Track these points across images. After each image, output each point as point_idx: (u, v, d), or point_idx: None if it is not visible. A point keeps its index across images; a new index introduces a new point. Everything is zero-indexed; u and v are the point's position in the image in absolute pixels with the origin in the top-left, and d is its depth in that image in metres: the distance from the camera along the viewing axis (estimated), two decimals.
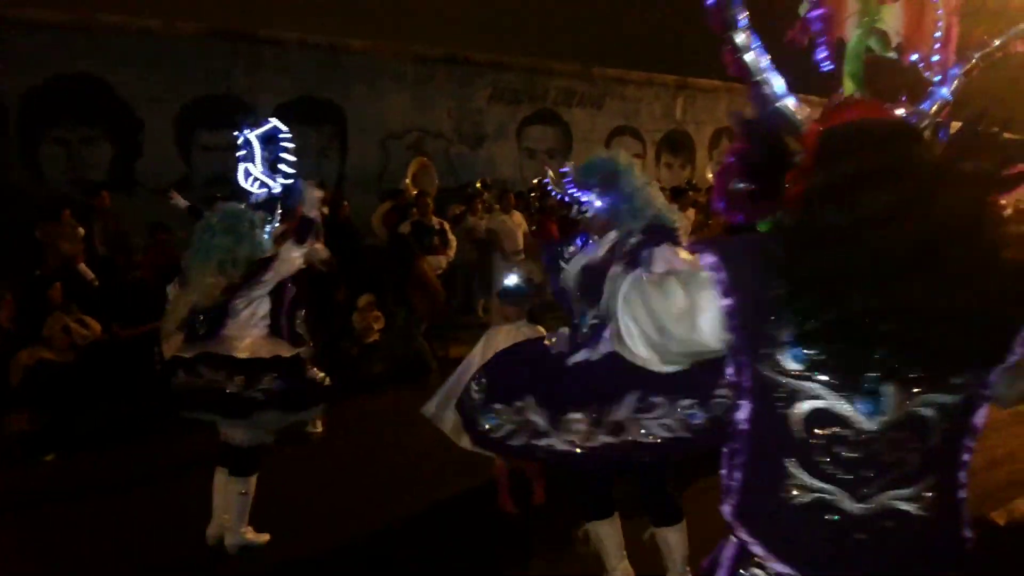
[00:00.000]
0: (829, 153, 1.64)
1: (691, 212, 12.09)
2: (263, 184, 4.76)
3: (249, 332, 4.29)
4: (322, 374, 4.48)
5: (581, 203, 3.57)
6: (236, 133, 4.85)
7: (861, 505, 1.56)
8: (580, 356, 3.33)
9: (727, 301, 1.61)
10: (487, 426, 3.38)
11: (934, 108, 1.94)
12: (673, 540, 3.53)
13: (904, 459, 1.55)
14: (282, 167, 4.77)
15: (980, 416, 1.60)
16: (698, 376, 2.80)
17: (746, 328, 1.61)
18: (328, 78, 12.69)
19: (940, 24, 1.95)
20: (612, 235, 3.51)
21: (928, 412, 1.54)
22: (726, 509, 1.71)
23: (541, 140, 15.34)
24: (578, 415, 3.16)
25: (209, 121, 11.50)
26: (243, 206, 4.52)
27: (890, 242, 1.50)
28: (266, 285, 4.32)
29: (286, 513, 4.79)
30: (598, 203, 3.51)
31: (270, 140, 4.84)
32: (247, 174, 4.80)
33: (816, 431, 1.57)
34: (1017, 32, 1.99)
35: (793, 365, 1.56)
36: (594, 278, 3.40)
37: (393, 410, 6.85)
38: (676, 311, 1.69)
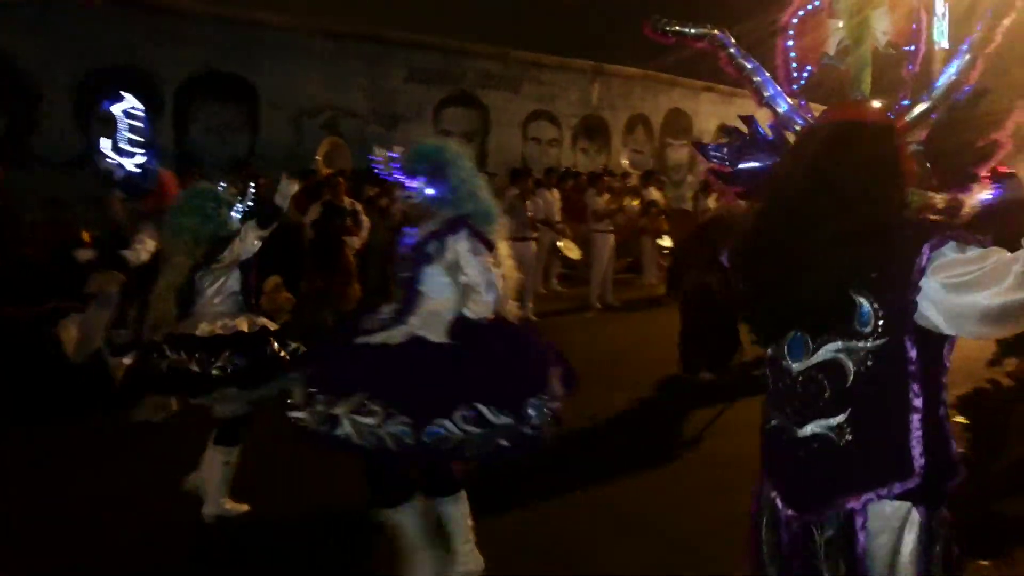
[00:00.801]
0: (792, 152, 2.17)
1: (606, 197, 12.24)
2: (117, 161, 4.66)
3: (214, 309, 4.35)
4: (295, 344, 4.46)
5: (406, 188, 3.52)
6: (102, 108, 4.73)
7: (801, 430, 1.97)
8: (361, 340, 3.37)
9: None
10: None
11: (945, 88, 2.16)
12: (452, 512, 3.55)
13: (820, 395, 1.94)
14: (133, 146, 4.66)
15: (915, 364, 1.87)
16: (429, 399, 3.11)
17: None
18: (237, 52, 12.29)
19: (915, 18, 2.22)
20: (429, 224, 3.50)
21: (842, 357, 1.91)
22: None
23: (458, 122, 15.22)
24: (321, 398, 3.20)
25: (111, 94, 10.96)
26: (211, 185, 4.59)
27: (770, 224, 2.03)
28: (223, 263, 4.36)
29: (269, 484, 4.76)
30: (428, 191, 3.46)
31: (129, 116, 4.74)
32: (115, 148, 4.69)
33: (771, 374, 2.09)
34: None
35: None
36: (403, 266, 3.51)
37: None
38: None
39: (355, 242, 8.71)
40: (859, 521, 1.91)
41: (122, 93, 4.74)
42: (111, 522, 4.44)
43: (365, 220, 9.25)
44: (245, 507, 4.51)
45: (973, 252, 1.78)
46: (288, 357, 4.38)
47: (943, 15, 19.75)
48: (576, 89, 17.27)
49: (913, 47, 2.23)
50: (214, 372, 4.15)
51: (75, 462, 5.35)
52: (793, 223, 1.95)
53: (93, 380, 5.84)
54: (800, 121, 2.34)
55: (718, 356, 7.50)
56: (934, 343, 1.88)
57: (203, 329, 4.25)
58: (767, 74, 2.41)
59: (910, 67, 2.22)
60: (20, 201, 8.74)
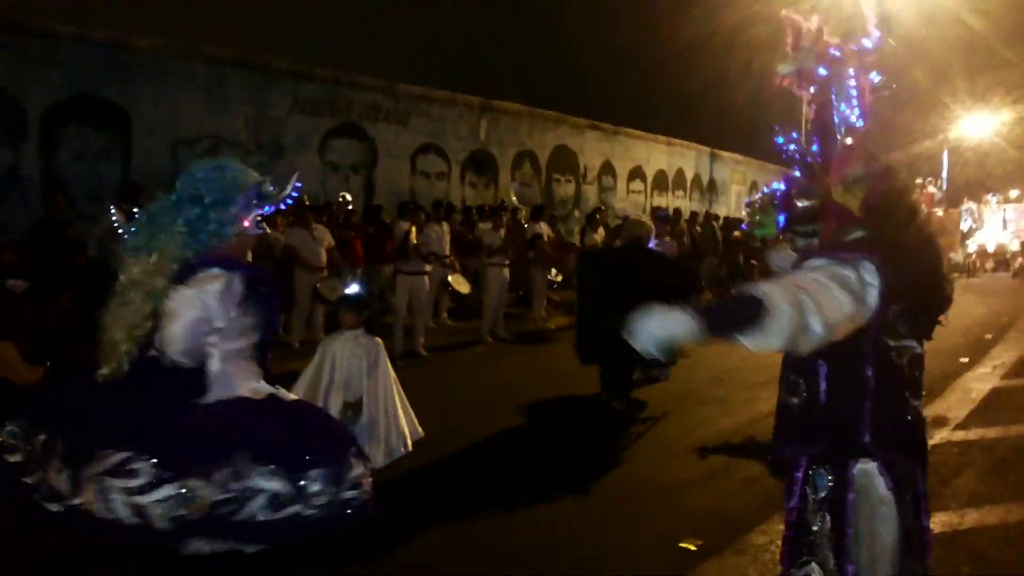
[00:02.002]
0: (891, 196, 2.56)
1: (500, 232, 12.23)
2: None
3: None
4: None
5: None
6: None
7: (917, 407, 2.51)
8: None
9: None
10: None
11: None
12: None
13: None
14: None
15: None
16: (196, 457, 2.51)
17: None
18: (108, 76, 11.67)
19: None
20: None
21: None
22: (867, 442, 2.44)
23: (346, 154, 14.93)
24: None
25: None
26: None
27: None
28: None
29: None
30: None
31: None
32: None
33: (907, 363, 2.49)
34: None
35: None
36: None
37: None
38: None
39: None
40: None
41: None
42: None
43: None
44: None
45: None
46: None
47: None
48: (465, 124, 17.30)
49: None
50: None
51: None
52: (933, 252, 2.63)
53: None
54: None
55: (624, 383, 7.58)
56: None
57: None
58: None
59: (860, 124, 2.61)
60: None
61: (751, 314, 2.11)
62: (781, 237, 2.79)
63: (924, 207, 2.67)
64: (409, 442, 4.83)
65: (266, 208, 2.95)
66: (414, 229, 10.66)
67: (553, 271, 13.59)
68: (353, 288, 4.83)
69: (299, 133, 14.10)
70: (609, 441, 6.64)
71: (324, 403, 4.49)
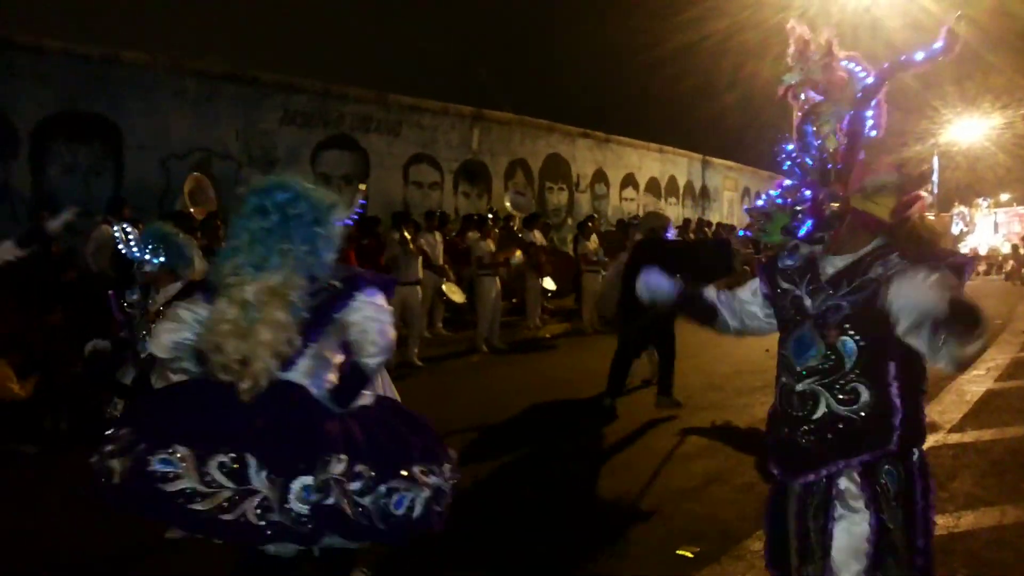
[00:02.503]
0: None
1: (489, 242, 12.24)
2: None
3: None
4: None
5: None
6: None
7: None
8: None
9: None
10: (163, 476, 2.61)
11: None
12: None
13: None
14: None
15: None
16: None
17: None
18: (98, 91, 11.62)
19: None
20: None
21: None
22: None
23: (338, 165, 14.91)
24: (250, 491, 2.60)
25: None
26: None
27: None
28: None
29: None
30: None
31: None
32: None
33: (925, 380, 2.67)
34: None
35: None
36: None
37: None
38: None
39: None
40: None
41: None
42: None
43: None
44: None
45: None
46: None
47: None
48: (456, 134, 17.30)
49: None
50: None
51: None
52: None
53: None
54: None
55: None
56: None
57: None
58: None
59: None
60: None
61: (975, 320, 2.27)
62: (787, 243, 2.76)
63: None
64: None
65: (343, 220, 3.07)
66: (408, 235, 10.68)
67: (547, 280, 13.58)
68: None
69: (290, 145, 14.08)
70: (605, 448, 6.62)
71: None
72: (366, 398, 2.96)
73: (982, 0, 20.71)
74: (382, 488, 2.67)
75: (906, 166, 2.60)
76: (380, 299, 2.92)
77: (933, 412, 7.27)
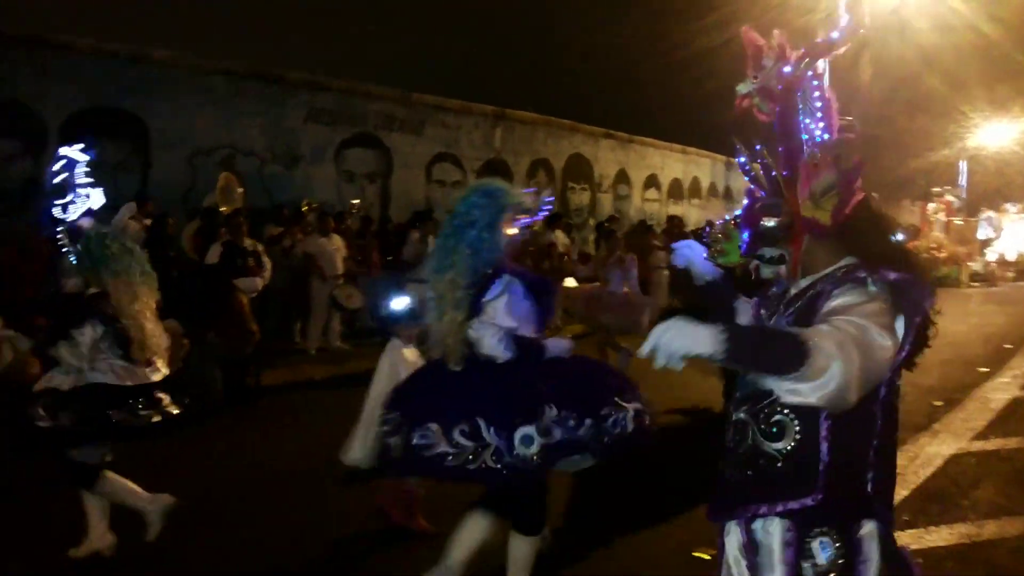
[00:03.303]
0: (861, 212, 2.30)
1: None
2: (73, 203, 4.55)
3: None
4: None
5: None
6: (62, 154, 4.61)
7: None
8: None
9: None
10: (427, 447, 3.43)
11: None
12: (521, 548, 3.73)
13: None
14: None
15: None
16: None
17: None
18: (126, 88, 11.76)
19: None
20: None
21: None
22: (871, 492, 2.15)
23: (361, 164, 14.99)
24: (529, 428, 3.38)
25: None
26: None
27: None
28: None
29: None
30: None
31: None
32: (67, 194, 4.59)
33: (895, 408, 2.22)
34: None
35: None
36: None
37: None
38: None
39: (256, 283, 8.37)
40: None
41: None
42: None
43: (267, 261, 8.92)
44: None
45: None
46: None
47: (824, 70, 20.84)
48: (479, 133, 17.34)
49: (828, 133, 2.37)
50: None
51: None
52: None
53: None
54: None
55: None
56: None
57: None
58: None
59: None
60: None
61: (789, 356, 1.88)
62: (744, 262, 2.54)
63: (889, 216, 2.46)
64: None
65: (529, 218, 3.75)
66: (430, 237, 10.71)
67: (568, 280, 13.56)
68: (402, 301, 4.81)
69: (315, 143, 14.17)
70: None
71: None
72: (558, 354, 3.67)
73: (1012, 1, 20.46)
74: (588, 421, 3.48)
75: (843, 158, 2.28)
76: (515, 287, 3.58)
77: (958, 418, 7.21)
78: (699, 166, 24.65)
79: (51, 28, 11.59)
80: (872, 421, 2.13)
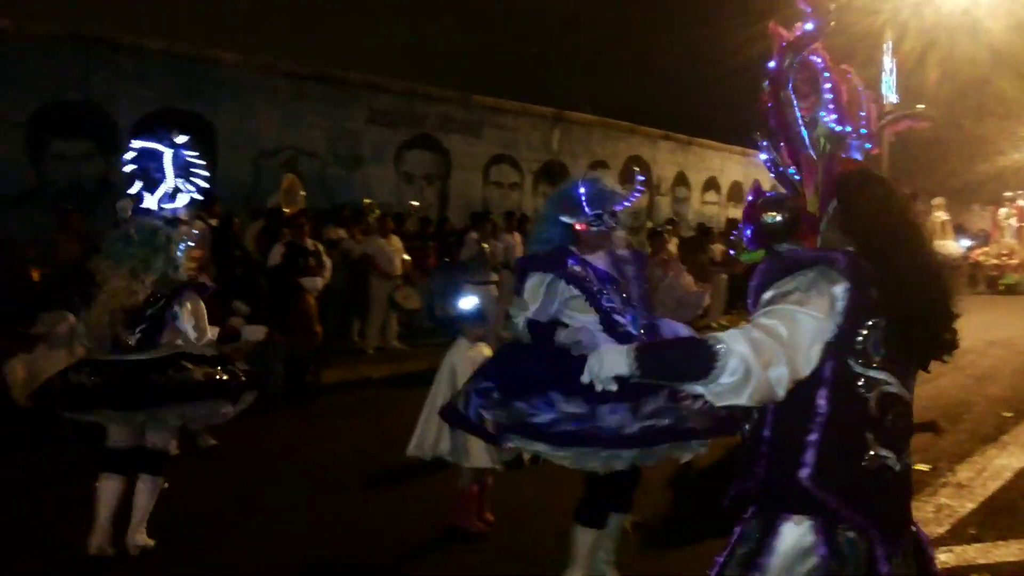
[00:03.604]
0: (848, 189, 2.20)
1: None
2: (174, 196, 4.70)
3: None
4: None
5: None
6: (151, 146, 4.78)
7: (899, 462, 2.08)
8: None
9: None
10: (531, 414, 3.53)
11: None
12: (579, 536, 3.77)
13: (910, 428, 2.14)
14: (195, 179, 4.76)
15: None
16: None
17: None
18: (194, 90, 12.08)
19: (864, 105, 2.40)
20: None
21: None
22: (804, 477, 2.05)
23: (420, 165, 15.15)
24: (616, 405, 3.40)
25: (63, 129, 10.71)
26: (159, 222, 4.56)
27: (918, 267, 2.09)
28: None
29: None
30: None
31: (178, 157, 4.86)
32: (155, 188, 4.74)
33: (879, 407, 2.05)
34: (894, 118, 2.52)
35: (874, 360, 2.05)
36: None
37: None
38: None
39: (318, 283, 8.52)
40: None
41: (174, 133, 4.87)
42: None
43: (327, 261, 9.07)
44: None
45: None
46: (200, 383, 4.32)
47: (891, 71, 20.36)
48: (537, 134, 17.38)
49: (863, 130, 2.35)
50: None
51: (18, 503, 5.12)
52: (935, 277, 2.13)
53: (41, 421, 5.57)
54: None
55: None
56: None
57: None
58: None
59: (867, 147, 2.34)
60: None
61: (696, 364, 1.94)
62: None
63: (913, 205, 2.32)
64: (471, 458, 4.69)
65: (622, 204, 3.99)
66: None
67: None
68: (470, 301, 4.87)
69: (375, 144, 14.37)
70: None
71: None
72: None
73: None
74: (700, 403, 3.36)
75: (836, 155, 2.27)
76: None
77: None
78: (760, 169, 24.19)
79: (123, 31, 11.94)
80: (810, 408, 2.05)
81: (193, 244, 4.68)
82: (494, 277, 10.73)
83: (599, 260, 3.92)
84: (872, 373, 2.04)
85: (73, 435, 5.40)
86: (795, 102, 2.29)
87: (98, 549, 4.31)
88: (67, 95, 10.81)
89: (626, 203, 4.00)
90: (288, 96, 13.22)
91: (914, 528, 2.20)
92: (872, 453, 2.04)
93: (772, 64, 2.32)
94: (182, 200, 4.71)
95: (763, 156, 2.44)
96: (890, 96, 16.97)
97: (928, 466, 6.09)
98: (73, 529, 4.42)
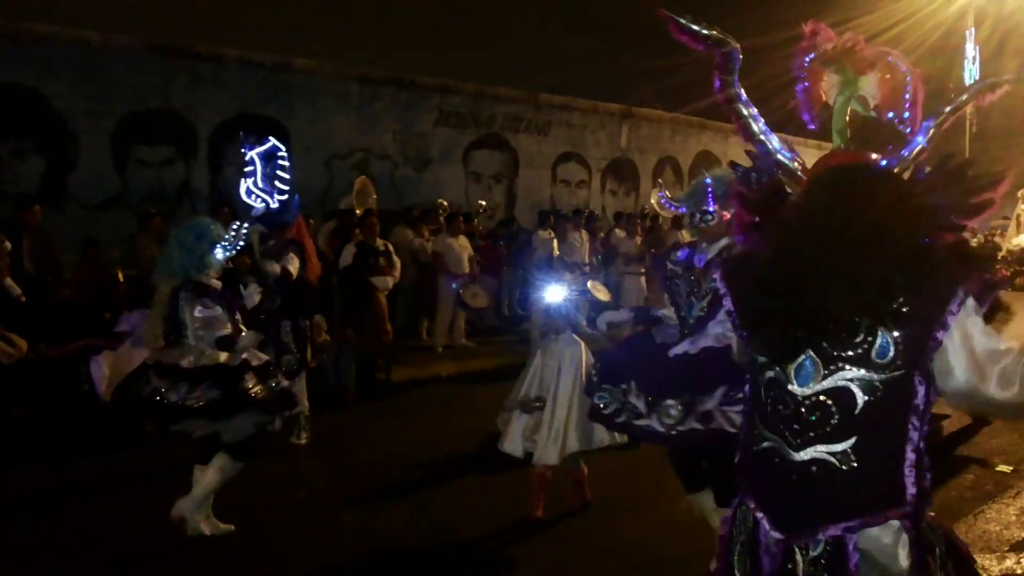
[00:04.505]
0: (812, 188, 2.18)
1: (638, 240, 12.23)
2: (262, 199, 4.98)
3: (199, 340, 4.47)
4: (277, 380, 4.62)
5: (708, 212, 3.95)
6: (241, 150, 5.09)
7: (798, 454, 1.99)
8: (681, 348, 3.69)
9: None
10: (598, 404, 3.80)
11: (913, 154, 2.27)
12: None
13: (827, 421, 1.97)
14: (279, 183, 4.99)
15: (920, 399, 1.97)
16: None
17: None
18: (270, 96, 12.43)
19: (908, 88, 2.29)
20: (723, 241, 3.93)
21: (853, 385, 1.95)
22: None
23: (487, 164, 15.27)
24: (672, 402, 3.55)
25: (146, 136, 11.16)
26: (208, 220, 4.76)
27: (804, 249, 1.99)
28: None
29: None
30: (725, 214, 3.89)
31: (270, 157, 5.11)
32: (248, 191, 5.05)
33: (768, 396, 2.06)
34: (978, 89, 2.38)
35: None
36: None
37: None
38: None
39: (388, 282, 8.70)
40: (851, 541, 1.95)
41: (265, 137, 5.17)
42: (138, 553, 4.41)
43: (397, 260, 9.25)
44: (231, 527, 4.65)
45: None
46: (264, 393, 4.46)
47: (974, 59, 19.66)
48: (605, 132, 17.32)
49: (906, 114, 2.30)
50: (188, 403, 4.33)
51: (103, 497, 5.36)
52: (822, 245, 1.98)
53: (125, 418, 5.83)
54: (789, 156, 2.45)
55: None
56: (932, 381, 1.99)
57: (187, 361, 4.40)
58: (755, 109, 2.49)
59: (907, 131, 2.30)
60: (56, 241, 8.86)
61: None
62: None
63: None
64: (594, 441, 4.85)
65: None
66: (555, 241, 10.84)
67: None
68: (558, 295, 4.99)
69: (444, 145, 14.54)
70: None
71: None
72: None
73: None
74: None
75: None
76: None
77: None
78: None
79: (202, 40, 12.36)
80: (744, 393, 2.23)
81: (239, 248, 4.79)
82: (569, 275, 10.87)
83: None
84: (759, 358, 2.11)
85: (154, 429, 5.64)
86: (755, 114, 2.44)
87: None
88: (149, 103, 11.26)
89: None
90: (360, 100, 13.48)
91: (844, 535, 1.97)
92: (756, 433, 2.10)
93: (715, 85, 2.44)
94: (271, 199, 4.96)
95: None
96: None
97: (1010, 467, 5.92)
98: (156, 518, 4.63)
